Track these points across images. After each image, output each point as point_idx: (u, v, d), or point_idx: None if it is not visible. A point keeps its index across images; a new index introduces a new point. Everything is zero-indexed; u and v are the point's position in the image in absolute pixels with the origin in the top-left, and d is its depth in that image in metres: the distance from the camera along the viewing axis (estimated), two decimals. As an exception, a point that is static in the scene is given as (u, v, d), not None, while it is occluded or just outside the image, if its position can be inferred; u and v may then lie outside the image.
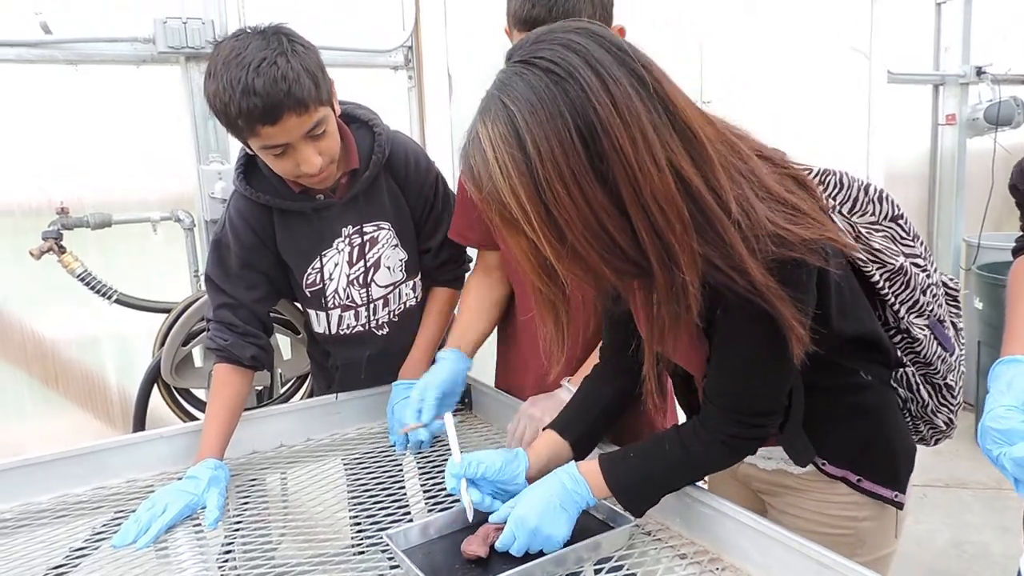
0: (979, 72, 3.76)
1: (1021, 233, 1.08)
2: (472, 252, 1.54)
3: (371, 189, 1.37)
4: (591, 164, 0.73)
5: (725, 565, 0.96)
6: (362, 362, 1.50)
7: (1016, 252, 1.08)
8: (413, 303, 1.48)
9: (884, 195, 1.04)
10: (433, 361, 1.39)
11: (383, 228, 1.40)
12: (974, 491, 2.95)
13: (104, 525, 1.14)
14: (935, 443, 1.16)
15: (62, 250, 1.84)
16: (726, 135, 0.84)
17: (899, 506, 1.04)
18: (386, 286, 1.44)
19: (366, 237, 1.39)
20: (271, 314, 1.46)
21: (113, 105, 1.98)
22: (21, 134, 1.90)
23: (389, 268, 1.43)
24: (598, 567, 0.97)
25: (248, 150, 1.28)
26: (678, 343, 0.93)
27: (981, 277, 3.38)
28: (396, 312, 1.47)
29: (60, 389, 2.07)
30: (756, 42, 2.69)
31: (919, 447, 1.11)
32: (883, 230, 1.04)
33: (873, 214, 1.04)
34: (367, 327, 1.45)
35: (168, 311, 1.86)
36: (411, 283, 1.47)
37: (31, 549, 1.07)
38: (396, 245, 1.42)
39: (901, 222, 1.05)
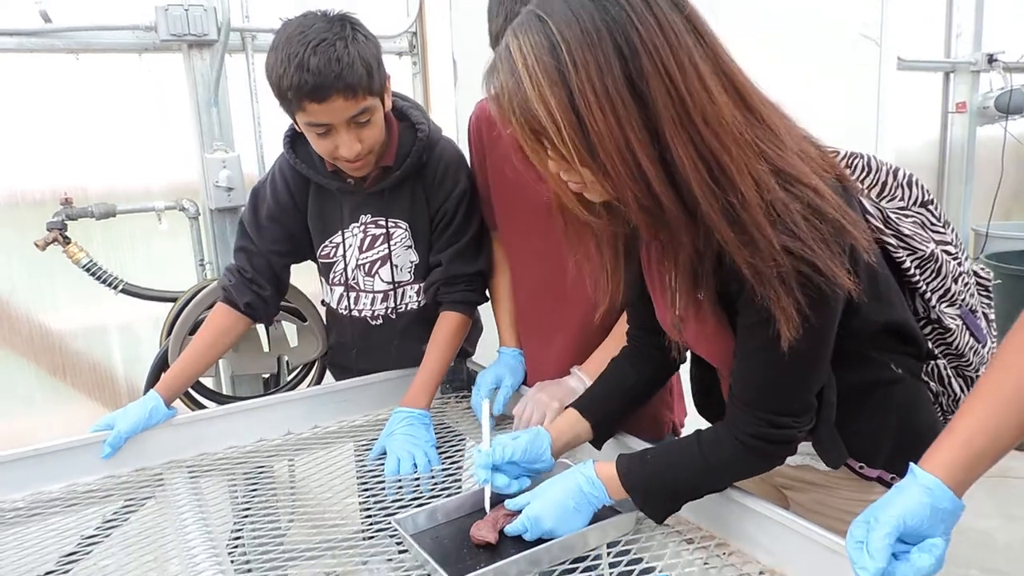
0: (991, 59, 3.72)
1: None
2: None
3: (398, 188, 1.38)
4: (627, 80, 0.71)
5: (732, 550, 0.96)
6: (353, 346, 1.54)
7: None
8: (415, 307, 1.47)
9: (914, 180, 1.01)
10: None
11: (400, 227, 1.41)
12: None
13: (115, 513, 1.14)
14: None
15: (67, 241, 1.84)
16: (767, 99, 0.83)
17: None
18: (388, 282, 1.45)
19: (381, 230, 1.41)
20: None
21: (115, 94, 1.97)
22: (23, 124, 1.89)
23: (397, 266, 1.44)
24: (606, 551, 0.97)
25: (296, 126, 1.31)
26: (703, 329, 0.91)
27: (989, 266, 3.37)
28: (394, 310, 1.47)
29: (68, 380, 2.07)
30: (764, 28, 2.66)
31: None
32: (913, 216, 1.00)
33: (902, 199, 1.00)
34: (361, 314, 1.47)
35: (174, 300, 1.87)
36: (417, 287, 1.46)
37: (44, 537, 1.08)
38: (410, 247, 1.43)
39: (931, 207, 1.01)
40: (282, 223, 1.42)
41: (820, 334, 0.82)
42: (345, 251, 1.43)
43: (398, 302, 1.46)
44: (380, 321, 1.48)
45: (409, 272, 1.45)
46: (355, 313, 1.48)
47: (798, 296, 0.77)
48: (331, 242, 1.44)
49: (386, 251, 1.42)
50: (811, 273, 0.76)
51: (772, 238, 0.75)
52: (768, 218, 0.75)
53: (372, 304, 1.46)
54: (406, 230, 1.42)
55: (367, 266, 1.43)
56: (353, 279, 1.45)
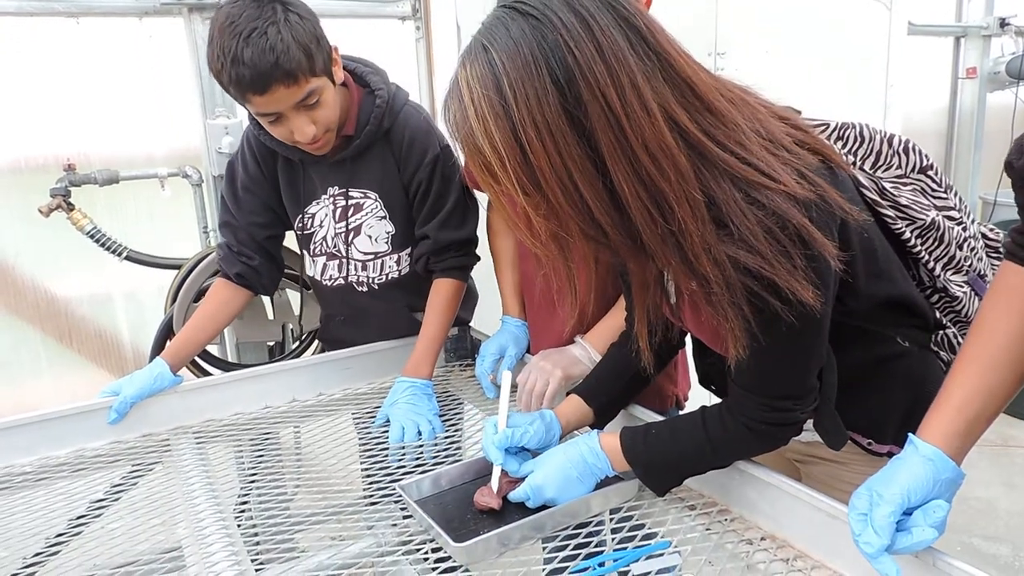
0: (1003, 24, 3.64)
1: (1020, 221, 0.81)
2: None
3: (362, 157, 1.36)
4: (565, 111, 0.70)
5: (734, 516, 0.97)
6: (339, 316, 1.55)
7: (1010, 249, 0.80)
8: (396, 276, 1.47)
9: (911, 146, 0.99)
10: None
11: (369, 197, 1.39)
12: (980, 447, 2.96)
13: (123, 478, 1.16)
14: None
15: (70, 207, 1.84)
16: (733, 90, 0.79)
17: None
18: (366, 253, 1.44)
19: (350, 201, 1.39)
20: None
21: (117, 59, 1.95)
22: (25, 89, 1.87)
23: (371, 237, 1.42)
24: (608, 518, 0.98)
25: None
26: (698, 317, 0.90)
27: (996, 234, 3.34)
28: (376, 280, 1.46)
29: (74, 347, 2.09)
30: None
31: None
32: (912, 183, 0.98)
33: (899, 167, 0.98)
34: (347, 280, 1.47)
35: (179, 267, 1.87)
36: (396, 257, 1.45)
37: (52, 501, 1.09)
38: (383, 217, 1.41)
39: (931, 173, 0.99)
40: (256, 194, 1.42)
41: (814, 320, 0.80)
42: (322, 220, 1.42)
43: (379, 272, 1.46)
44: (364, 288, 1.47)
45: (386, 242, 1.43)
46: (340, 282, 1.47)
47: (748, 316, 0.76)
48: (306, 213, 1.43)
49: (358, 222, 1.41)
50: (765, 295, 0.74)
51: (708, 267, 0.73)
52: (714, 241, 0.73)
53: (356, 271, 1.46)
54: (376, 200, 1.39)
55: (344, 235, 1.43)
56: (335, 247, 1.44)
